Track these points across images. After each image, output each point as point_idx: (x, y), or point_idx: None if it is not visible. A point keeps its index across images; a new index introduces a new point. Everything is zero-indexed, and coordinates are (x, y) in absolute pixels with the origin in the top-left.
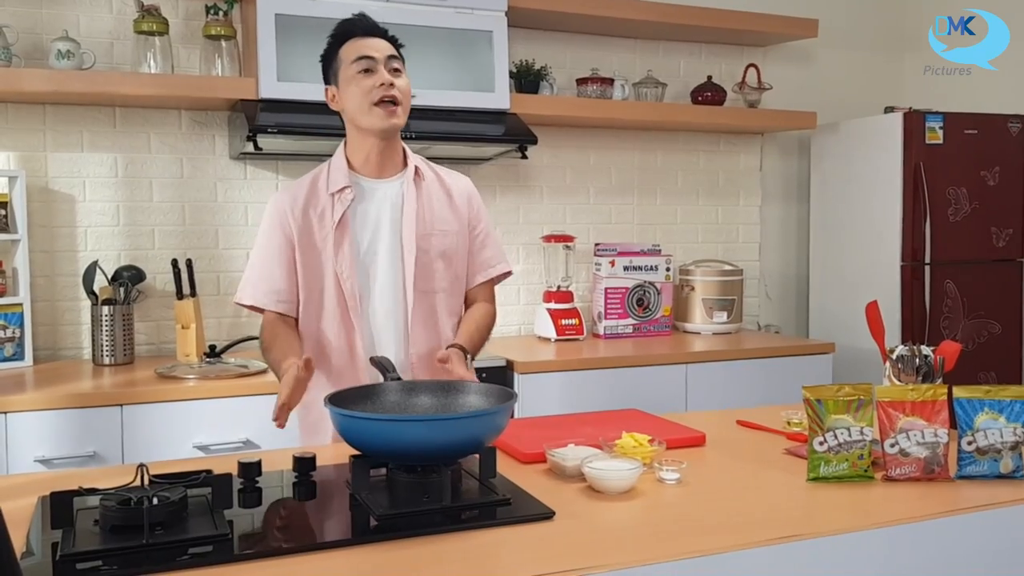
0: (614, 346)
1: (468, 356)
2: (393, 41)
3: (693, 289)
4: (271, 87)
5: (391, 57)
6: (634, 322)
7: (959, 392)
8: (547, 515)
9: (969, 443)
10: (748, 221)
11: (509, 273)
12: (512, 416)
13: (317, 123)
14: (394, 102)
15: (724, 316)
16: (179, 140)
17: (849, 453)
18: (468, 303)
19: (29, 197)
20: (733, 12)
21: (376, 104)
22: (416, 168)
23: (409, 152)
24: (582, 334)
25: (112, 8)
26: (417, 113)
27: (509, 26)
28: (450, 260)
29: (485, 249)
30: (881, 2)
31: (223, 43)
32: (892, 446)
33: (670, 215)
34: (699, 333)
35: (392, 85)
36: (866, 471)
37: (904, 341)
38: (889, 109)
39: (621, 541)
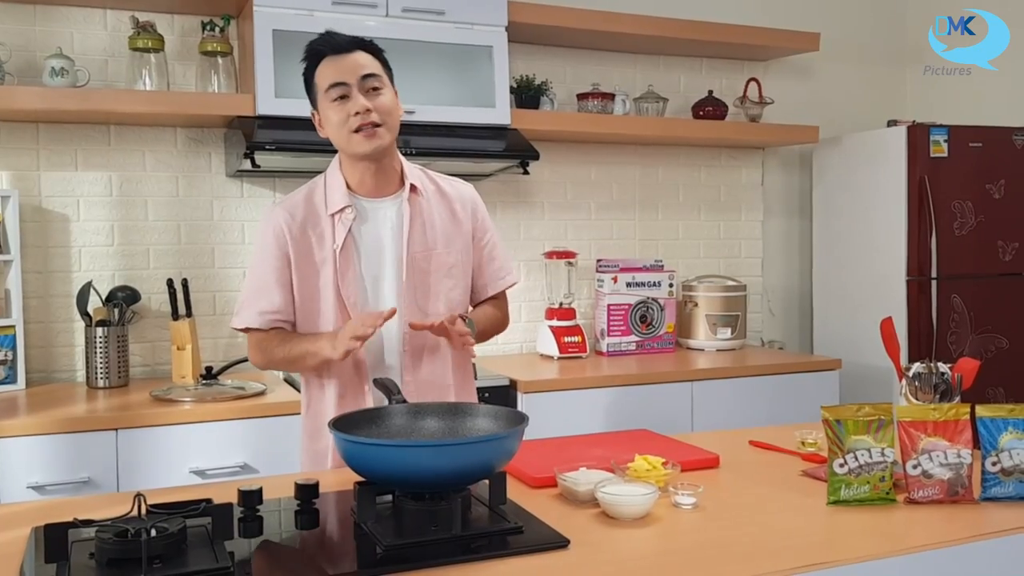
0: (618, 364)
1: (468, 322)
2: (370, 49)
3: (696, 305)
4: (268, 104)
5: (366, 76)
6: (637, 339)
7: (982, 411)
8: (562, 544)
9: (994, 464)
10: (750, 236)
11: (515, 282)
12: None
13: (315, 140)
14: (375, 124)
15: (728, 332)
16: (175, 158)
17: (870, 475)
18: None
19: (22, 217)
20: (734, 26)
21: (355, 131)
22: (413, 186)
23: (407, 167)
24: (585, 352)
25: (107, 25)
26: (417, 129)
27: (509, 41)
28: (455, 278)
29: (495, 260)
30: (883, 15)
31: (219, 60)
32: (914, 467)
33: (672, 230)
34: (703, 350)
35: (369, 110)
36: (888, 494)
37: (911, 357)
38: (892, 122)
39: (640, 571)
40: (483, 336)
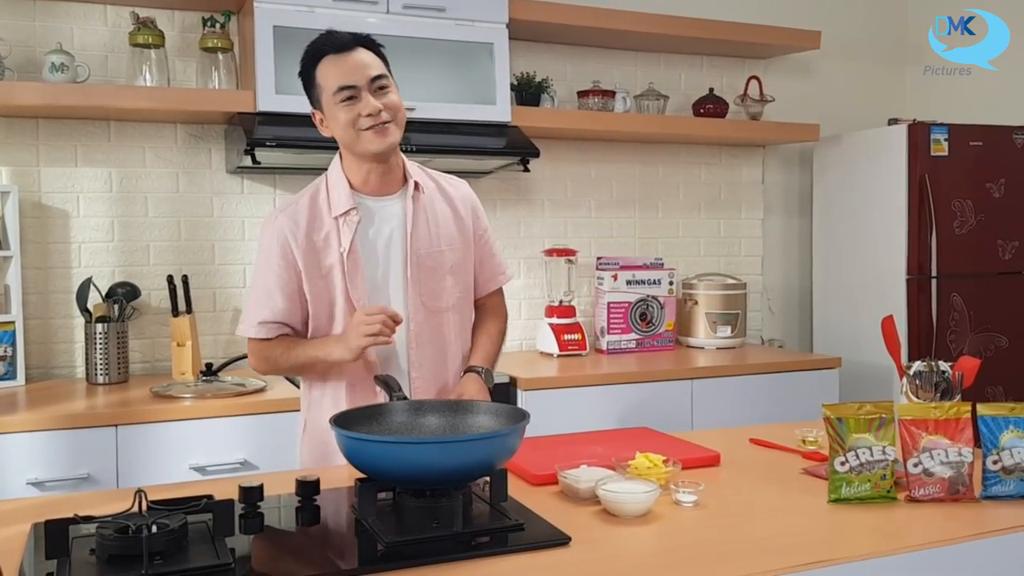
0: (618, 361)
1: (485, 374)
2: (371, 46)
3: (696, 303)
4: (269, 100)
5: (374, 78)
6: (637, 337)
7: (983, 410)
8: (562, 541)
9: (994, 462)
10: (750, 234)
11: (512, 278)
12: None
13: (316, 136)
14: (385, 122)
15: (728, 330)
16: (175, 154)
17: (871, 473)
18: (478, 310)
19: (22, 213)
20: (735, 24)
21: (366, 130)
22: (416, 183)
23: (408, 165)
24: (585, 349)
25: (107, 21)
26: (418, 126)
27: (510, 38)
28: (458, 275)
29: (494, 256)
30: (883, 14)
31: (220, 56)
32: (915, 466)
33: (672, 228)
34: (703, 348)
35: (380, 110)
36: (889, 492)
37: (911, 355)
38: (893, 121)
39: (641, 569)
40: (495, 360)
